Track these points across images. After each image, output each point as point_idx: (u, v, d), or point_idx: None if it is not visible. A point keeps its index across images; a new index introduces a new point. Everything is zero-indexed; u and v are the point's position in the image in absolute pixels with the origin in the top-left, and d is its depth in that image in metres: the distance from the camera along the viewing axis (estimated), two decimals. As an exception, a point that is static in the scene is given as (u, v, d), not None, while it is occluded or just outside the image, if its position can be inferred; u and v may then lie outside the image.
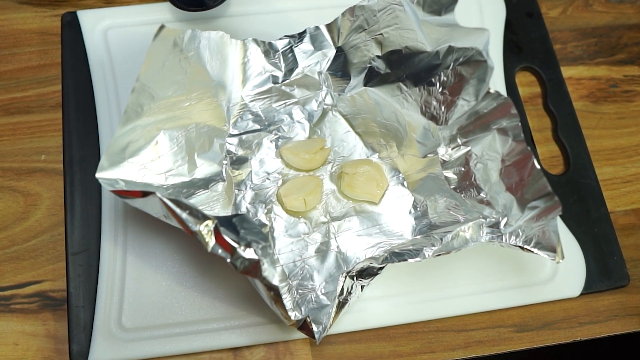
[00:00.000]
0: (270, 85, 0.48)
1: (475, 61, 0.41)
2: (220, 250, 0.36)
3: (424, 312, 0.44)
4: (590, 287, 0.46)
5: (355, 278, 0.41)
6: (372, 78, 0.47)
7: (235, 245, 0.35)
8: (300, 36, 0.47)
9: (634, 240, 0.49)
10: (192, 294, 0.43)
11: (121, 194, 0.39)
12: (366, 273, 0.41)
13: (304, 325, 0.40)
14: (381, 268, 0.41)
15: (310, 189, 0.45)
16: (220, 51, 0.45)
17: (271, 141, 0.47)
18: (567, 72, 0.54)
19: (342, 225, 0.45)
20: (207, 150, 0.45)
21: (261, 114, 0.48)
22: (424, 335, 0.44)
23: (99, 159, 0.46)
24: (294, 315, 0.39)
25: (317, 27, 0.47)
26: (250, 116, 0.47)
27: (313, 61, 0.48)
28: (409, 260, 0.40)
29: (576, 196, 0.49)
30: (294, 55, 0.47)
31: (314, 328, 0.40)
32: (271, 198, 0.45)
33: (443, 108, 0.43)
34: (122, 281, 0.43)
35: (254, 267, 0.35)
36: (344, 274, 0.40)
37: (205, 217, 0.36)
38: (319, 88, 0.48)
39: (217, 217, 0.36)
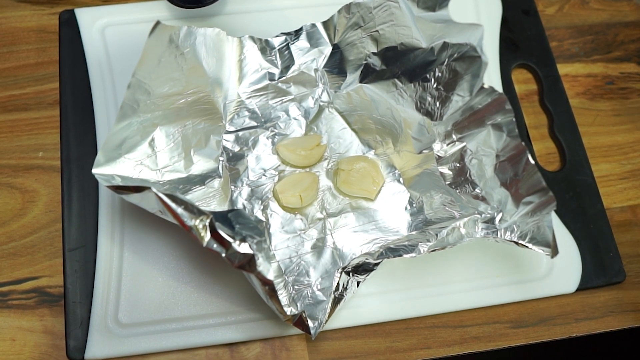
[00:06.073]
0: (266, 82, 0.48)
1: (470, 57, 0.41)
2: (215, 245, 0.36)
3: (420, 308, 0.44)
4: (586, 284, 0.46)
5: (351, 274, 0.41)
6: (368, 75, 0.47)
7: (230, 240, 0.35)
8: (297, 33, 0.47)
9: (630, 237, 0.49)
10: (188, 290, 0.43)
11: (117, 189, 0.39)
12: (362, 269, 0.41)
13: (299, 321, 0.40)
14: (377, 264, 0.41)
15: (306, 186, 0.45)
16: (216, 48, 0.45)
17: (267, 138, 0.47)
18: (563, 69, 0.54)
19: (338, 222, 0.45)
20: (203, 147, 0.46)
21: (257, 111, 0.48)
22: (420, 331, 0.44)
23: (96, 155, 0.46)
24: (289, 310, 0.39)
25: (313, 25, 0.47)
26: (246, 113, 0.48)
27: (309, 58, 0.48)
28: (405, 255, 0.40)
29: (572, 193, 0.49)
30: (290, 53, 0.48)
31: (310, 324, 0.40)
32: (267, 194, 0.46)
33: (438, 104, 0.43)
34: (119, 277, 0.43)
35: (249, 262, 0.35)
36: (340, 270, 0.41)
37: (200, 212, 0.36)
38: (315, 85, 0.48)
39: (213, 212, 0.36)
